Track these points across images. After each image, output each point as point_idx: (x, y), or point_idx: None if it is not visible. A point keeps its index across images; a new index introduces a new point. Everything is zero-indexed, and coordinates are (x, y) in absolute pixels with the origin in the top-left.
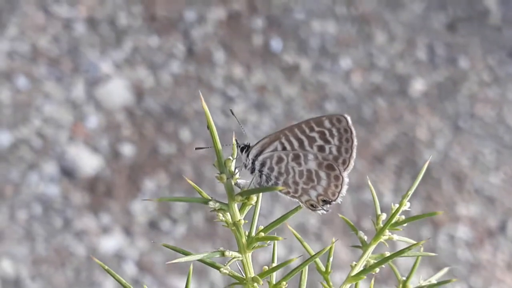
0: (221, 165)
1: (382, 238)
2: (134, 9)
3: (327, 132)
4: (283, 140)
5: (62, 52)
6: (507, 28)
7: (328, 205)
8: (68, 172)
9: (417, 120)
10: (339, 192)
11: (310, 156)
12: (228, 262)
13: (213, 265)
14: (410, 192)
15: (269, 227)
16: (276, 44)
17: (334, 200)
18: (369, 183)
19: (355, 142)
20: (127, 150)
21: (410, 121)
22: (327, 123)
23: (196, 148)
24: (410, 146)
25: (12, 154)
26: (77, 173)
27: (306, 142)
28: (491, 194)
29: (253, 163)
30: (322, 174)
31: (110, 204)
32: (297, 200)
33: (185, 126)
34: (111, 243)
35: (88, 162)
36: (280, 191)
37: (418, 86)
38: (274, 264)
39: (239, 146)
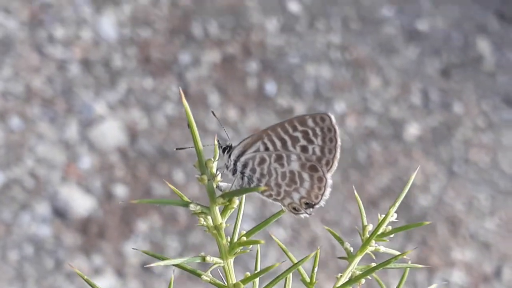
0: (202, 166)
1: (369, 249)
2: (129, 51)
3: (310, 132)
4: (266, 140)
5: (56, 93)
6: (501, 74)
7: (311, 209)
8: (60, 213)
9: (412, 164)
10: (322, 195)
11: (293, 157)
12: (209, 268)
13: (194, 272)
14: (397, 203)
15: (251, 232)
16: (270, 87)
17: (317, 203)
18: (356, 193)
19: (339, 142)
20: (120, 191)
21: (405, 165)
22: (310, 122)
23: (176, 149)
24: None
25: (4, 194)
26: (69, 214)
27: (289, 142)
28: (486, 240)
29: (235, 164)
30: (305, 175)
31: (103, 245)
32: (280, 204)
33: (178, 168)
34: (103, 284)
35: (81, 203)
36: (262, 192)
37: (412, 130)
38: (257, 271)
39: (221, 147)
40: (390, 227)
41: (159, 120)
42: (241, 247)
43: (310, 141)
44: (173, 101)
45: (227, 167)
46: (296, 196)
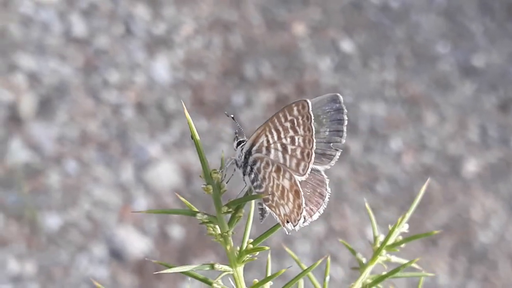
0: (207, 176)
1: (380, 260)
2: (182, 94)
3: (295, 121)
4: (267, 133)
5: (111, 137)
6: None
7: (291, 228)
8: (117, 254)
9: (471, 201)
10: (298, 221)
11: (287, 175)
12: (218, 276)
13: (205, 281)
14: (408, 214)
15: (257, 240)
16: None
17: (294, 226)
18: (367, 205)
19: (314, 131)
20: (176, 232)
21: (464, 202)
22: (295, 111)
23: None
24: (464, 227)
25: (61, 237)
26: (126, 255)
27: (282, 133)
28: None
29: (245, 157)
30: (291, 197)
31: (159, 286)
32: (273, 213)
33: None
34: None
35: (137, 244)
36: (261, 198)
37: (470, 167)
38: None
39: (237, 139)
40: (400, 237)
41: (213, 161)
42: (248, 255)
43: (296, 131)
44: (227, 142)
45: (237, 164)
46: (282, 210)
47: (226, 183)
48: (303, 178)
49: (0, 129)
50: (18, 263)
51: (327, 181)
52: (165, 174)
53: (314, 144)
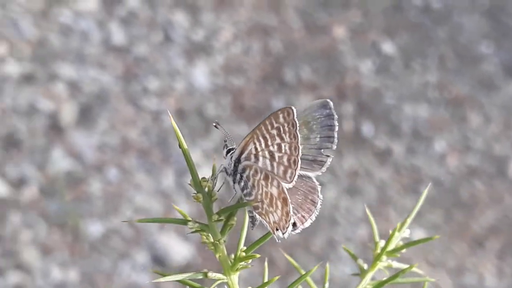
0: (197, 185)
1: (381, 265)
2: (222, 100)
3: (281, 128)
4: (255, 140)
5: (151, 144)
6: None
7: (280, 235)
8: (159, 261)
9: None
10: (286, 228)
11: (275, 182)
12: (214, 284)
13: None
14: (409, 219)
15: (250, 247)
16: (367, 129)
17: (283, 234)
18: (367, 211)
19: (299, 138)
20: None
21: (511, 203)
22: (281, 118)
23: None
24: None
25: (104, 244)
26: (168, 262)
27: (269, 141)
28: None
29: (235, 165)
30: (279, 204)
31: None
32: (263, 220)
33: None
34: None
35: (179, 250)
36: (251, 206)
37: None
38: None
39: (226, 147)
40: (401, 243)
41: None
42: (241, 263)
43: (282, 139)
44: None
45: (227, 172)
46: (271, 218)
47: (218, 191)
48: (290, 185)
49: (41, 138)
50: (61, 271)
51: (319, 188)
52: None
53: (300, 151)
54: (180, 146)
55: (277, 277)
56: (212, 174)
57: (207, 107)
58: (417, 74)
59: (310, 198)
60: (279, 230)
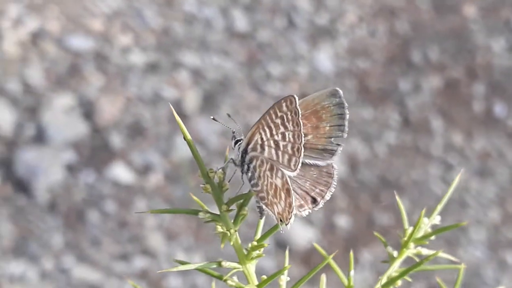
0: (205, 176)
1: (410, 253)
2: (347, 83)
3: (285, 117)
4: (261, 130)
5: None
6: None
7: (285, 225)
8: (283, 245)
9: None
10: (289, 219)
11: (279, 173)
12: (229, 273)
13: (219, 277)
14: (440, 206)
15: (262, 238)
16: (500, 109)
17: (286, 224)
18: (397, 198)
19: (302, 126)
20: (343, 222)
21: None
22: (284, 107)
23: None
24: None
25: None
26: (292, 246)
27: (274, 130)
28: None
29: (242, 156)
30: (282, 195)
31: (328, 276)
32: (270, 211)
33: (402, 195)
34: None
35: (303, 234)
36: (257, 195)
37: None
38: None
39: (234, 138)
40: (429, 230)
41: (381, 149)
42: (256, 251)
43: (286, 127)
44: (394, 130)
45: (235, 163)
46: (276, 209)
47: (228, 181)
48: (295, 173)
49: (166, 126)
50: (186, 255)
51: (335, 169)
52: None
53: (303, 138)
54: (185, 138)
55: (289, 266)
56: (225, 163)
57: None
58: None
59: (325, 170)
60: (283, 222)
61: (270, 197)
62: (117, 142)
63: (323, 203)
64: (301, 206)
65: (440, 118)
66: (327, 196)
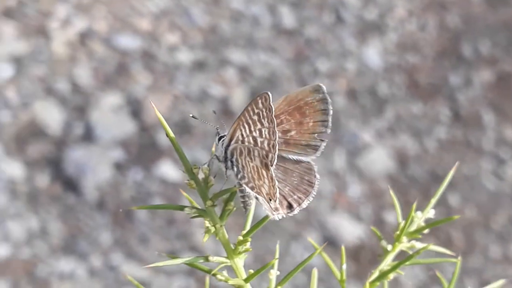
0: (189, 171)
1: (404, 247)
2: (396, 78)
3: (261, 114)
4: (241, 127)
5: None
6: None
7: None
8: (331, 241)
9: None
10: (275, 195)
11: (256, 152)
12: (217, 267)
13: (209, 272)
14: (433, 200)
15: (249, 232)
16: None
17: (274, 200)
18: (391, 192)
19: (275, 123)
20: (392, 218)
21: None
22: (260, 104)
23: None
24: None
25: (275, 225)
26: (340, 242)
27: (252, 127)
28: None
29: (225, 152)
30: (264, 173)
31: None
32: (259, 196)
33: (453, 191)
34: None
35: (351, 230)
36: (247, 185)
37: None
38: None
39: (218, 134)
40: (422, 223)
41: (430, 145)
42: (243, 246)
43: (262, 124)
44: (445, 124)
45: (218, 159)
46: (264, 190)
47: (214, 177)
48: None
49: (213, 124)
50: None
51: (315, 168)
52: (379, 159)
53: (277, 135)
54: (167, 134)
55: (274, 260)
56: (210, 159)
57: (380, 87)
58: None
59: (306, 179)
60: (272, 200)
61: (256, 182)
62: (164, 140)
63: (298, 210)
64: (276, 209)
65: (491, 112)
66: (304, 204)
